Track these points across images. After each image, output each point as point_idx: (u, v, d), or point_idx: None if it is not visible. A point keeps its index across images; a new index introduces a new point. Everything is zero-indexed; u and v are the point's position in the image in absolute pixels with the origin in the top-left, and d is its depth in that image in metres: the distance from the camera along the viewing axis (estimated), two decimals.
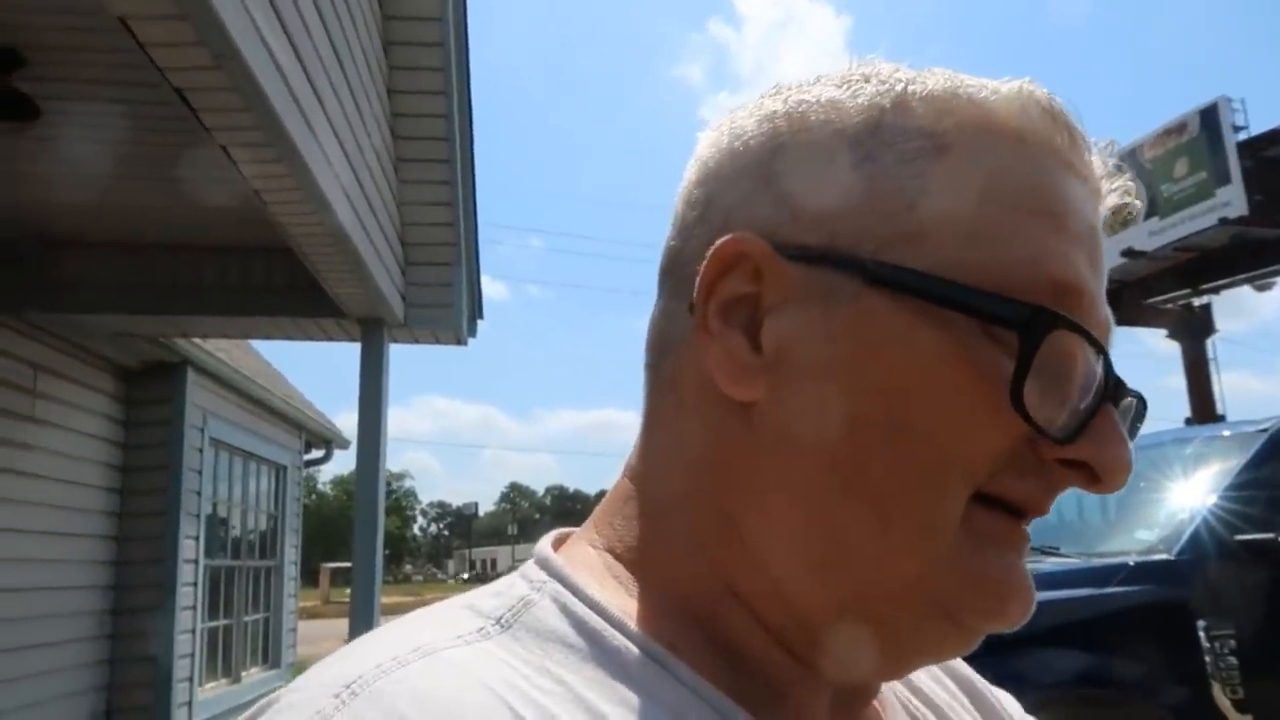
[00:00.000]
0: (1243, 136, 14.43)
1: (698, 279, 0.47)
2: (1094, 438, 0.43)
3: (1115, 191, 0.50)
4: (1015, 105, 0.47)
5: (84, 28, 3.14)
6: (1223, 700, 3.45)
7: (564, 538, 0.52)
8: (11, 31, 3.20)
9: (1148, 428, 0.55)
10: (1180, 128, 15.01)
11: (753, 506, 0.45)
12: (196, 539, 6.91)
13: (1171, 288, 15.35)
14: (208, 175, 3.94)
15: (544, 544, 0.49)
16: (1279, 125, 14.27)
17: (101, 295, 5.16)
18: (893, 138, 0.46)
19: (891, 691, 0.55)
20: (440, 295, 5.48)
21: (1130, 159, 14.93)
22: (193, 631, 6.84)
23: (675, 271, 0.51)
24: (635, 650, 0.42)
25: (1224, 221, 13.88)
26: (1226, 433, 4.44)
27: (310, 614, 25.65)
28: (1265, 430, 4.11)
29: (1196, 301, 15.62)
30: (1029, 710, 0.63)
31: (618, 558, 0.48)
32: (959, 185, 0.45)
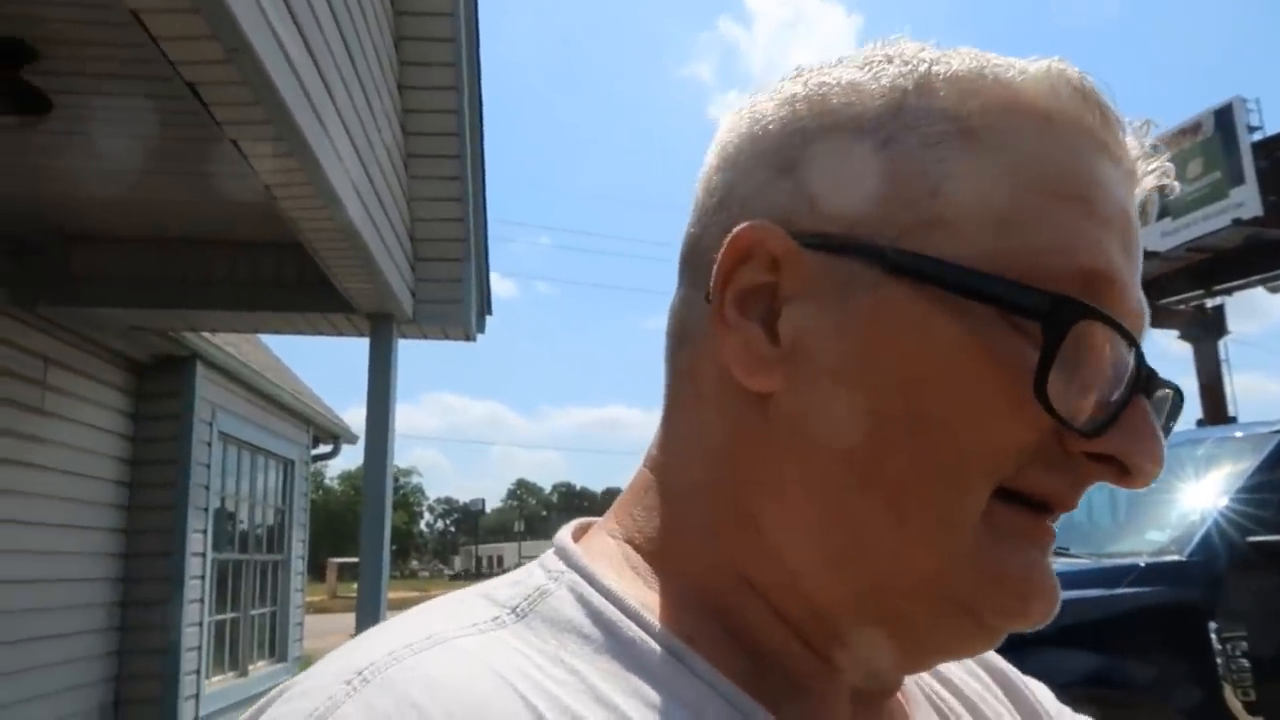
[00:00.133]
0: (1257, 137, 14.36)
1: (714, 268, 0.46)
2: (1123, 431, 0.42)
3: (1153, 173, 0.48)
4: (1044, 85, 0.45)
5: (96, 21, 3.15)
6: (1234, 703, 3.43)
7: (585, 528, 0.51)
8: (23, 24, 3.20)
9: None
10: (1194, 128, 14.93)
11: (770, 498, 0.45)
12: (205, 533, 6.93)
13: (1184, 289, 15.27)
14: (219, 170, 3.94)
15: (563, 534, 0.49)
16: None
17: (113, 289, 5.18)
18: (915, 121, 0.45)
19: (916, 683, 0.54)
20: (449, 291, 5.49)
21: None
22: (200, 624, 6.86)
23: (694, 259, 0.50)
24: (651, 642, 0.42)
25: (1238, 222, 13.81)
26: (1239, 434, 4.42)
27: (317, 608, 25.75)
28: (1278, 431, 4.09)
29: (1209, 303, 15.55)
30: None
31: (636, 548, 0.48)
32: (984, 170, 0.43)
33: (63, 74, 3.42)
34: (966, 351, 0.41)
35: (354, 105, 3.91)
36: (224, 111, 2.98)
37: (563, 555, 0.46)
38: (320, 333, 5.90)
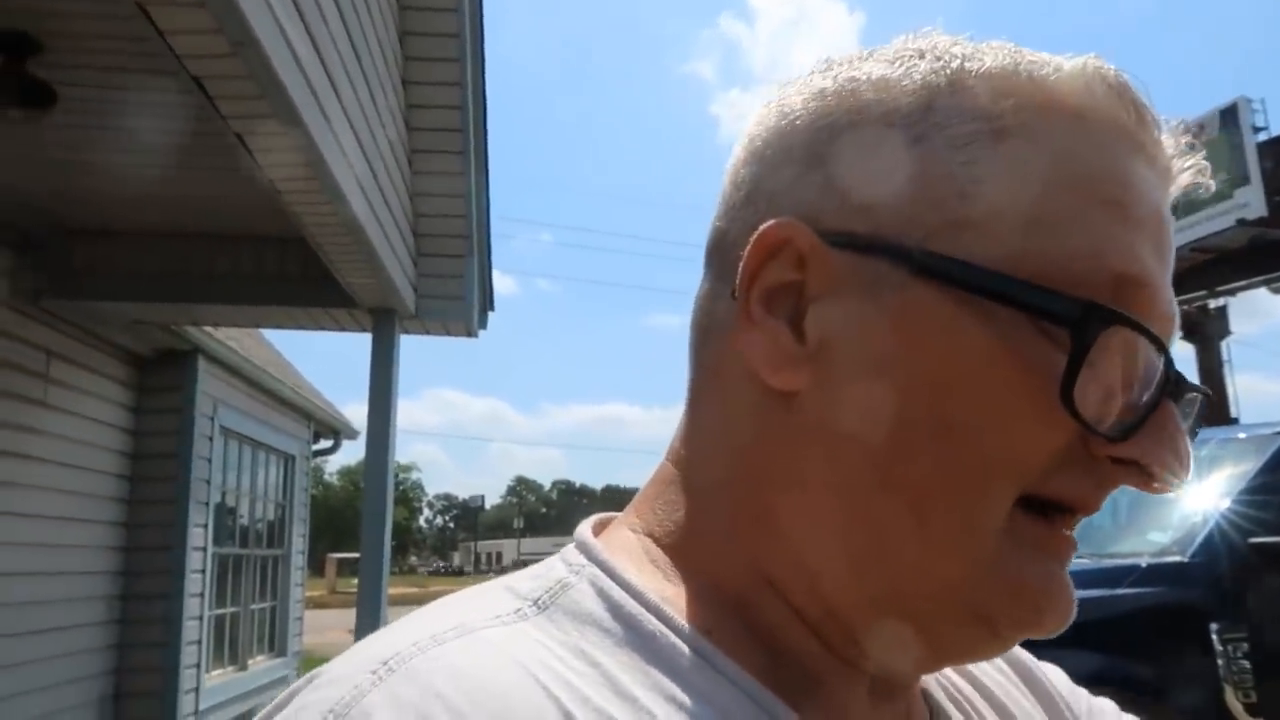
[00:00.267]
0: (1262, 137, 14.33)
1: (740, 265, 0.46)
2: (1150, 436, 0.42)
3: (1187, 171, 0.47)
4: (1079, 84, 0.45)
5: (101, 14, 3.14)
6: (1235, 704, 3.43)
7: (605, 522, 0.51)
8: (27, 17, 3.20)
9: None
10: (1199, 128, 14.91)
11: (792, 497, 0.45)
12: (205, 527, 6.93)
13: (1188, 289, 15.25)
14: (223, 164, 3.94)
15: (584, 528, 0.49)
16: None
17: (116, 283, 5.19)
18: (946, 120, 0.44)
19: (934, 677, 0.54)
20: (452, 287, 5.49)
21: None
22: (200, 618, 6.86)
23: (720, 253, 0.50)
24: (672, 636, 0.42)
25: (1242, 223, 13.79)
26: (1242, 435, 4.42)
27: (316, 604, 25.77)
28: None
29: (1212, 303, 15.54)
30: None
31: (657, 542, 0.48)
32: (1014, 171, 0.43)
33: (67, 67, 3.41)
34: (993, 356, 0.41)
35: (359, 100, 3.91)
36: (229, 105, 2.98)
37: (583, 549, 0.46)
38: (323, 328, 5.91)
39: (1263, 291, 15.36)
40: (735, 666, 0.42)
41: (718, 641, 0.42)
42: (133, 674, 6.29)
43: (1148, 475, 0.42)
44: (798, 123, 0.47)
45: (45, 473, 5.34)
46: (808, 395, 0.44)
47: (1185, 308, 15.75)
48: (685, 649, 0.41)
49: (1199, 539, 3.76)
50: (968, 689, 0.55)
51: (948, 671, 0.56)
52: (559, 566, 0.45)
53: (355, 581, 5.10)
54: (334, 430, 10.38)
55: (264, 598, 8.74)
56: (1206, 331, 15.72)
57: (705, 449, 0.48)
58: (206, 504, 6.94)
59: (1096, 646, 3.46)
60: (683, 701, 0.39)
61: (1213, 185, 0.49)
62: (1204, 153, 0.48)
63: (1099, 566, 3.82)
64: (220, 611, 7.58)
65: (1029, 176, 0.43)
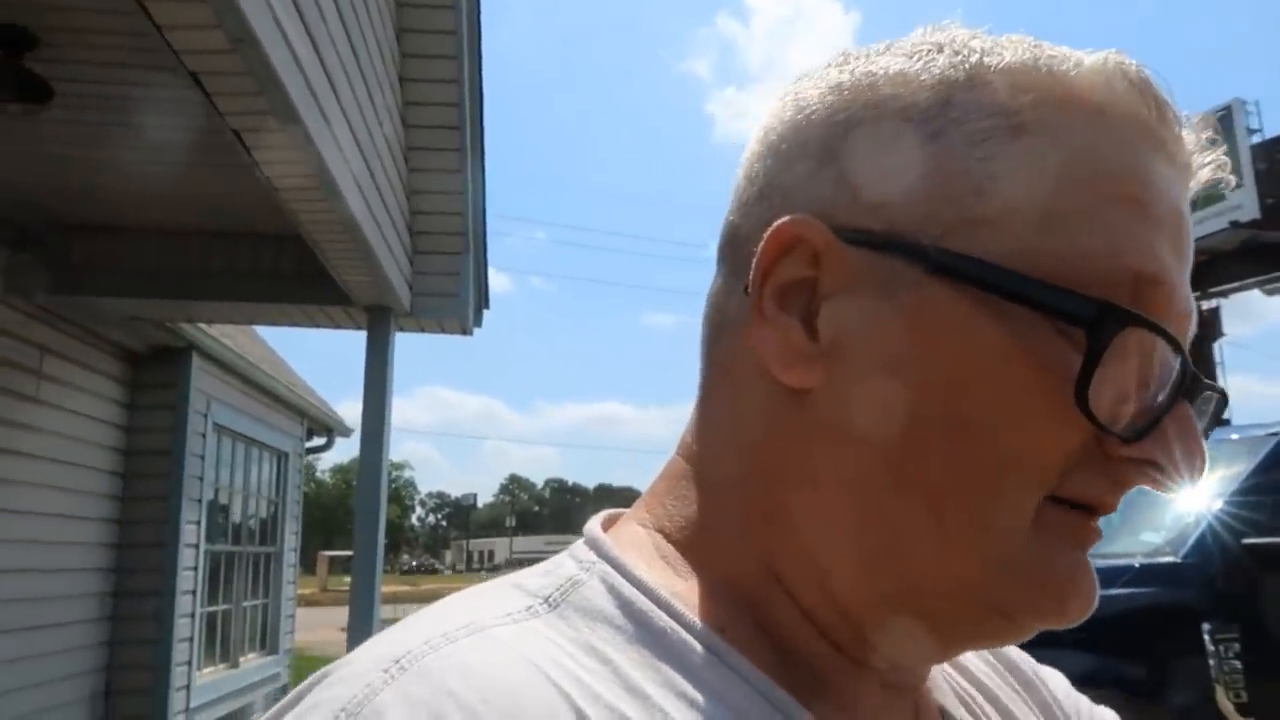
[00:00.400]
0: (1256, 140, 14.36)
1: (754, 261, 0.45)
2: (1165, 436, 0.41)
3: (1208, 166, 0.47)
4: (1100, 79, 0.44)
5: (99, 9, 3.13)
6: (1226, 704, 3.45)
7: (614, 518, 0.51)
8: (25, 11, 3.19)
9: None
10: None
11: (804, 495, 0.44)
12: (198, 524, 6.91)
13: None
14: (220, 161, 3.93)
15: (593, 524, 0.49)
16: None
17: (111, 279, 5.17)
18: (964, 115, 0.44)
19: (941, 673, 0.54)
20: (447, 285, 5.48)
21: None
22: (192, 616, 6.85)
23: (734, 249, 0.49)
24: (684, 633, 0.41)
25: (1235, 225, 13.81)
26: (1235, 436, 4.43)
27: (308, 601, 25.70)
28: (1275, 434, 4.11)
29: (1205, 305, 15.57)
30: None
31: (668, 538, 0.47)
32: (1032, 168, 0.42)
33: (65, 62, 3.40)
34: (1008, 355, 0.41)
35: (356, 98, 3.90)
36: (227, 102, 2.97)
37: (593, 545, 0.46)
38: (318, 325, 5.89)
39: (1256, 293, 15.40)
40: (748, 664, 0.42)
41: (730, 639, 0.42)
42: (124, 671, 6.28)
43: (1163, 475, 0.42)
44: (813, 117, 0.47)
45: (37, 469, 5.32)
46: (820, 393, 0.44)
47: None
48: (698, 646, 0.41)
49: (1192, 540, 3.78)
50: (969, 687, 0.55)
51: (954, 674, 0.56)
52: (569, 563, 0.45)
53: (347, 579, 5.09)
54: (327, 428, 10.36)
55: (256, 595, 8.73)
56: (1200, 333, 15.76)
57: (717, 445, 0.48)
58: (199, 501, 6.92)
59: (1090, 646, 3.47)
60: (695, 699, 0.39)
61: (1233, 180, 0.49)
62: (1224, 148, 0.48)
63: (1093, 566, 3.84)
64: (212, 609, 7.56)
65: (1047, 173, 0.42)
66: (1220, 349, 15.74)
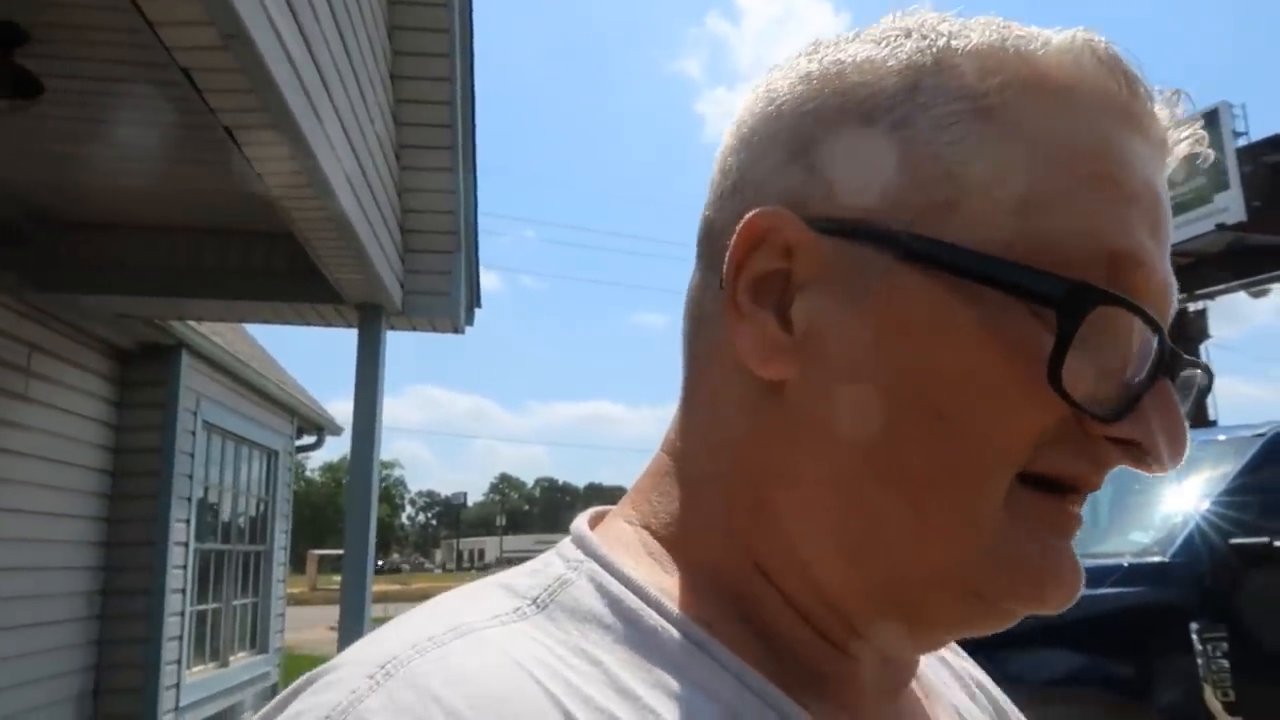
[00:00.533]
0: (1242, 143, 14.43)
1: (727, 254, 0.45)
2: (1145, 416, 0.41)
3: (1185, 141, 0.46)
4: (1068, 57, 0.44)
5: (90, 4, 3.12)
6: (1214, 703, 3.47)
7: (600, 515, 0.51)
8: (15, 7, 3.17)
9: None
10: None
11: (785, 488, 0.44)
12: (187, 522, 6.89)
13: None
14: (211, 158, 3.92)
15: (580, 522, 0.48)
16: (1279, 131, 14.27)
17: (101, 276, 5.15)
18: (931, 100, 0.43)
19: (939, 680, 0.55)
20: (439, 283, 5.47)
21: None
22: (182, 614, 6.82)
23: (710, 243, 0.49)
24: (673, 631, 0.41)
25: (1221, 227, 13.88)
26: (1222, 437, 4.46)
27: (297, 600, 25.60)
28: (1261, 435, 4.13)
29: (1192, 307, 15.65)
30: (1022, 708, 0.62)
31: (654, 534, 0.47)
32: (1001, 151, 0.42)
33: (55, 58, 3.39)
34: (981, 340, 0.40)
35: (348, 95, 3.89)
36: (218, 99, 2.96)
37: (580, 543, 0.45)
38: (309, 323, 5.88)
39: (1242, 295, 15.48)
40: (738, 660, 0.41)
41: (718, 634, 0.42)
42: (113, 670, 6.25)
43: (1144, 454, 0.42)
44: (783, 108, 0.47)
45: (26, 467, 5.30)
46: (796, 385, 0.44)
47: None
48: (688, 644, 0.41)
49: (1179, 539, 3.79)
50: (966, 700, 0.56)
51: (943, 674, 0.56)
52: (556, 563, 0.44)
53: (336, 578, 5.07)
54: (317, 426, 10.33)
55: (246, 594, 8.69)
56: (1186, 335, 15.84)
57: (698, 441, 0.48)
58: (189, 499, 6.90)
59: (1077, 646, 3.49)
60: (687, 699, 0.39)
61: (1211, 154, 0.48)
62: (1201, 122, 0.47)
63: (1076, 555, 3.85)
64: (202, 607, 7.53)
65: (1015, 155, 0.42)
66: (1206, 351, 15.82)
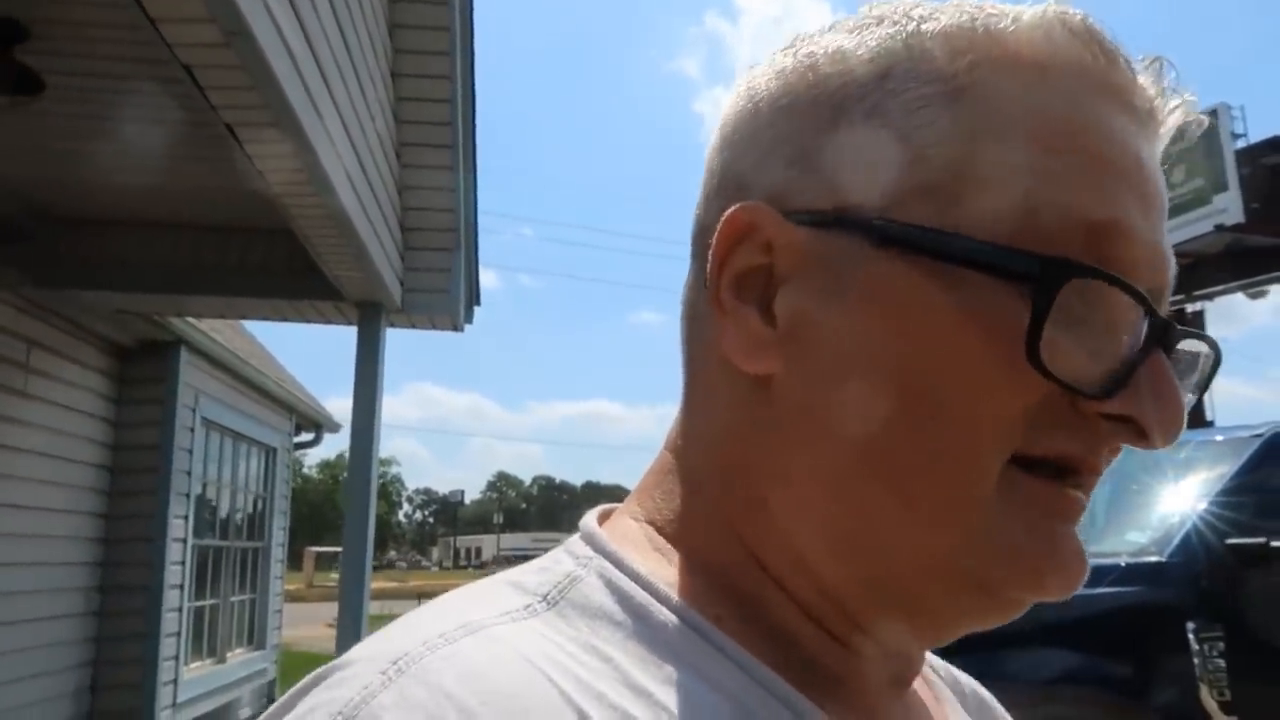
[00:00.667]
0: (1241, 144, 14.43)
1: (710, 252, 0.45)
2: (1137, 391, 0.40)
3: (1176, 110, 0.45)
4: (1038, 33, 0.43)
5: (91, 1, 3.12)
6: (1210, 702, 3.48)
7: (607, 513, 0.51)
8: (16, 3, 3.17)
9: None
10: (1179, 134, 14.94)
11: (778, 482, 0.44)
12: (185, 519, 6.89)
13: None
14: (212, 155, 3.92)
15: (589, 519, 0.48)
16: (1278, 133, 14.27)
17: (100, 272, 5.15)
18: (901, 86, 0.43)
19: (949, 687, 0.55)
20: (438, 281, 5.48)
21: None
22: (179, 610, 6.82)
23: (699, 242, 0.49)
24: (683, 627, 0.41)
25: (1220, 228, 13.89)
26: (1219, 438, 4.46)
27: (294, 597, 25.58)
28: (1259, 436, 4.14)
29: (1190, 308, 15.66)
30: (1010, 709, 0.61)
31: (659, 530, 0.47)
32: (972, 131, 0.42)
33: (56, 54, 3.39)
34: (960, 322, 0.40)
35: (349, 93, 3.89)
36: (220, 96, 2.96)
37: (589, 540, 0.45)
38: (308, 320, 5.88)
39: (1240, 297, 15.48)
40: (747, 654, 0.42)
41: (727, 629, 0.42)
42: (111, 666, 6.25)
43: (1140, 432, 0.41)
44: (761, 105, 0.47)
45: (24, 463, 5.30)
46: (783, 379, 0.44)
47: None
48: (698, 639, 0.41)
49: (1177, 539, 3.80)
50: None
51: (940, 678, 0.56)
52: (565, 559, 0.45)
53: (333, 575, 5.08)
54: (315, 423, 10.33)
55: (243, 590, 8.70)
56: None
57: (696, 437, 0.48)
58: (187, 496, 6.90)
59: (1074, 645, 3.50)
60: (697, 694, 0.39)
61: (1204, 121, 0.47)
62: (1190, 90, 0.46)
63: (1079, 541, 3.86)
64: (199, 604, 7.53)
65: (988, 134, 0.42)
66: None
